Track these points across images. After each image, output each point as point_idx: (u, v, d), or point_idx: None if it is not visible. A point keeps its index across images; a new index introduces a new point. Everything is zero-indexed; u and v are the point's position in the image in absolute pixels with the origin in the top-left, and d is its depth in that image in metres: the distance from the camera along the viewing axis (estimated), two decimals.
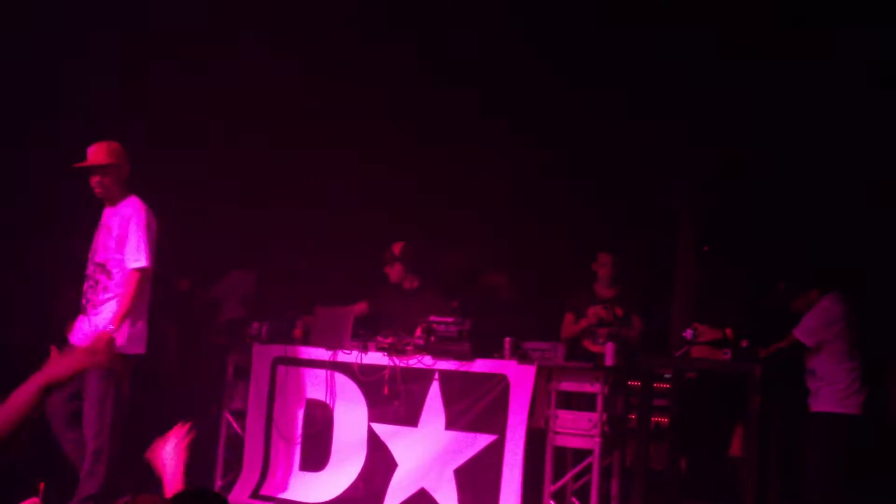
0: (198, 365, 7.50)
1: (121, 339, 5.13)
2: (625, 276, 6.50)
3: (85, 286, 5.36)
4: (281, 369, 6.49)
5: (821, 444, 5.38)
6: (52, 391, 2.47)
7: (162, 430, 6.79)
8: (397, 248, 6.74)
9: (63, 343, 5.27)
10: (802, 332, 5.39)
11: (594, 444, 5.49)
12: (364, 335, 6.36)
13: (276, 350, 6.53)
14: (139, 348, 5.31)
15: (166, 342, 7.78)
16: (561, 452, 5.77)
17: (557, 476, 5.66)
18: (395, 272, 6.74)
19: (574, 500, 5.81)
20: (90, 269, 5.36)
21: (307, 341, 6.49)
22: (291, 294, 7.76)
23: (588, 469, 5.53)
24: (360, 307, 6.71)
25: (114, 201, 5.37)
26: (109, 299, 5.24)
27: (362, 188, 8.05)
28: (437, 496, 5.79)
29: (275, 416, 6.44)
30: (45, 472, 2.89)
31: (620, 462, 5.65)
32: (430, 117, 7.78)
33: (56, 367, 2.48)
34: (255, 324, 6.71)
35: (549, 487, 5.61)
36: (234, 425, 6.63)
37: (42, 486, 2.79)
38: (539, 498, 5.61)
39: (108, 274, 5.29)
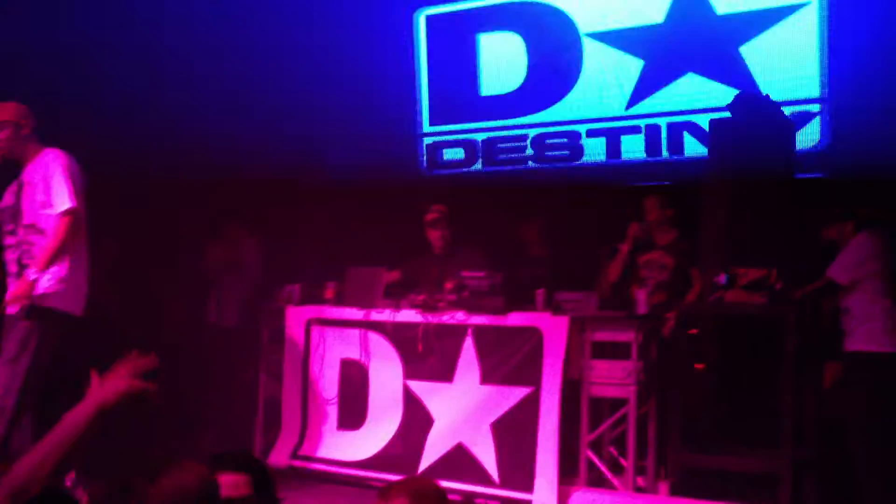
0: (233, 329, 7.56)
1: (49, 293, 4.92)
2: (681, 221, 6.38)
3: (13, 254, 5.13)
4: (315, 330, 6.52)
5: (855, 383, 5.26)
6: (106, 414, 2.49)
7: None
8: (444, 210, 6.68)
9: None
10: (836, 270, 5.25)
11: (630, 392, 5.46)
12: (396, 293, 6.37)
13: (310, 311, 6.56)
14: (72, 307, 5.07)
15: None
16: (597, 402, 5.74)
17: (594, 426, 5.65)
18: (442, 236, 6.67)
19: (611, 448, 5.80)
20: (19, 235, 5.12)
21: (340, 302, 6.51)
22: (324, 257, 7.79)
23: (624, 418, 5.51)
24: (393, 275, 6.69)
25: (25, 158, 5.20)
26: (36, 258, 5.00)
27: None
28: (474, 450, 5.81)
29: (311, 377, 6.49)
30: None
31: (657, 409, 5.61)
32: None
33: (105, 391, 2.50)
34: (286, 286, 6.75)
35: (587, 437, 5.59)
36: (272, 388, 6.69)
37: None
38: (576, 448, 5.60)
39: (42, 232, 5.08)
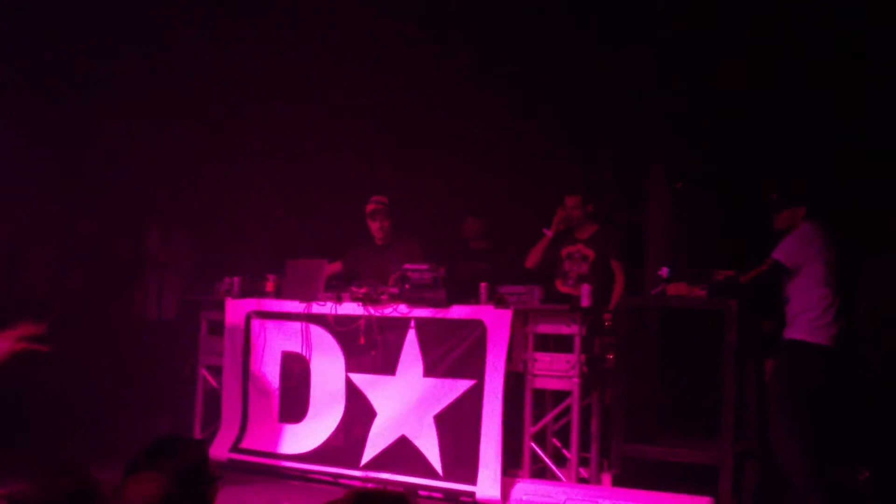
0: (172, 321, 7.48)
1: None
2: (601, 216, 6.46)
3: None
4: (255, 323, 6.44)
5: (784, 373, 5.27)
6: None
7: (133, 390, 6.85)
8: (385, 201, 6.64)
9: None
10: (781, 253, 5.26)
11: (573, 385, 5.49)
12: (337, 286, 6.31)
13: (250, 304, 6.47)
14: None
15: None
16: (540, 395, 5.78)
17: (537, 418, 5.67)
18: (381, 227, 6.64)
19: (555, 440, 5.83)
20: None
21: (280, 295, 6.43)
22: (264, 250, 7.71)
23: (567, 410, 5.54)
24: (335, 267, 6.64)
25: None
26: None
27: (335, 141, 7.95)
28: (417, 443, 5.79)
29: (251, 370, 6.40)
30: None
31: (600, 402, 5.66)
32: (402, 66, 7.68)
33: None
34: (226, 279, 6.64)
35: (530, 429, 5.61)
36: (211, 380, 6.59)
37: None
38: (520, 440, 5.62)
39: None
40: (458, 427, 5.69)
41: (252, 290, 6.55)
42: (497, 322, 5.66)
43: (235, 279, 6.58)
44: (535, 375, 5.63)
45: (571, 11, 6.80)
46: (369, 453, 5.90)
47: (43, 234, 7.57)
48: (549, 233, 6.49)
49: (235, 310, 6.49)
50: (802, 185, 5.51)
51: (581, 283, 5.98)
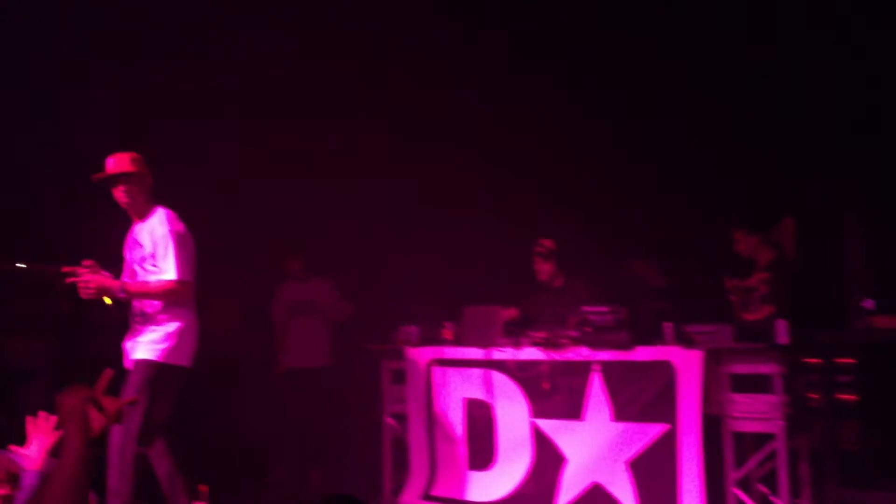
0: (352, 371, 7.57)
1: (163, 352, 4.89)
2: (769, 246, 6.17)
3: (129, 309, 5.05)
4: (436, 371, 6.42)
5: None
6: (97, 445, 2.42)
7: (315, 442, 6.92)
8: (550, 243, 6.60)
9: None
10: None
11: (776, 427, 5.21)
12: (515, 331, 6.25)
13: (430, 352, 6.47)
14: (183, 360, 4.99)
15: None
16: (739, 438, 5.51)
17: (738, 463, 5.40)
18: (547, 268, 6.59)
19: (760, 486, 5.53)
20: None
21: (459, 342, 6.40)
22: (438, 297, 7.72)
23: (772, 454, 5.26)
24: (511, 312, 6.60)
25: (141, 214, 5.06)
26: (151, 316, 4.96)
27: (500, 186, 7.94)
28: (612, 490, 5.62)
29: (435, 418, 6.38)
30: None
31: (808, 444, 5.35)
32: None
33: (74, 422, 2.44)
34: (403, 328, 6.67)
35: (733, 475, 5.35)
36: (397, 428, 6.60)
37: (206, 489, 2.77)
38: (721, 486, 5.36)
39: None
40: (654, 473, 5.50)
41: (430, 337, 6.56)
42: (687, 363, 5.46)
43: (413, 328, 6.60)
44: (733, 418, 5.37)
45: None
46: (563, 500, 5.77)
47: (224, 292, 7.81)
48: (734, 299, 6.25)
49: (417, 359, 6.50)
50: None
51: (763, 305, 5.73)
